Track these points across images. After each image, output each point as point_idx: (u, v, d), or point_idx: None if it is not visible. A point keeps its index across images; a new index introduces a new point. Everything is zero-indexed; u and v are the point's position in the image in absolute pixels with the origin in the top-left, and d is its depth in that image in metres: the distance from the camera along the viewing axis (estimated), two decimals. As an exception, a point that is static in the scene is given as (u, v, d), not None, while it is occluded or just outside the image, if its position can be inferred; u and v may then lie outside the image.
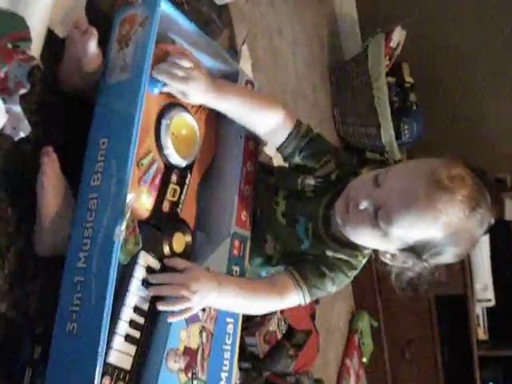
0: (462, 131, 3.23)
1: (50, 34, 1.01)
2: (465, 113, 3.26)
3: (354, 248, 1.15)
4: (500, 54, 3.12)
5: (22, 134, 0.91)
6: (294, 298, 1.14)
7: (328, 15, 3.40)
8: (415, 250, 1.03)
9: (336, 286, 1.16)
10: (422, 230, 0.99)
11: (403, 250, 1.05)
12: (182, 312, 0.98)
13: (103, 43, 1.02)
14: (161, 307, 0.96)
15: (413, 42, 3.18)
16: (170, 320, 0.97)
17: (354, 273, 1.18)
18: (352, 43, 3.51)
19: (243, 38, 1.99)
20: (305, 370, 2.12)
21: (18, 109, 0.89)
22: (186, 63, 1.01)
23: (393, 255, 1.09)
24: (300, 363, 2.05)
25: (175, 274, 0.99)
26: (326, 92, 3.25)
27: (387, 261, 1.10)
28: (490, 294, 3.01)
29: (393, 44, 3.13)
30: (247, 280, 1.15)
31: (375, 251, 1.17)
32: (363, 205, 1.02)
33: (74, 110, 1.06)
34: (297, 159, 1.20)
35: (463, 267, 2.99)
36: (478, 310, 3.11)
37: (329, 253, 1.15)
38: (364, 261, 1.19)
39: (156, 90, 1.01)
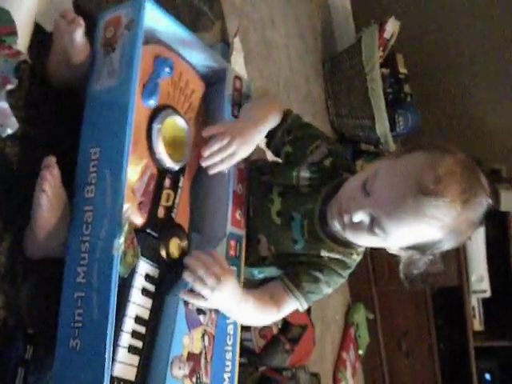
0: (456, 122, 3.23)
1: (38, 28, 0.99)
2: (459, 104, 3.25)
3: (350, 246, 1.14)
4: (495, 44, 3.11)
5: (10, 131, 0.89)
6: (291, 307, 1.15)
7: (321, 6, 3.38)
8: (417, 249, 1.03)
9: (331, 287, 1.16)
10: (419, 234, 0.99)
11: (406, 248, 1.05)
12: (195, 296, 0.98)
13: (90, 34, 1.00)
14: (185, 274, 0.96)
15: (407, 32, 3.17)
16: (182, 296, 0.97)
17: (349, 272, 1.17)
18: (345, 34, 3.49)
19: (235, 31, 1.97)
20: (301, 364, 2.11)
21: (4, 105, 0.87)
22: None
23: (398, 249, 1.08)
24: (296, 357, 2.04)
25: (217, 266, 0.98)
26: (320, 84, 3.23)
27: (394, 252, 1.10)
28: (485, 285, 3.02)
29: (387, 35, 3.12)
30: (257, 293, 1.13)
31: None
32: (357, 218, 1.01)
33: (64, 105, 1.04)
34: (287, 147, 1.20)
35: (459, 259, 2.99)
36: (474, 301, 3.11)
37: (324, 253, 1.14)
38: (358, 259, 1.18)
39: (152, 103, 1.00)
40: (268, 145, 1.26)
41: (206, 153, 1.09)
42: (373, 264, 3.23)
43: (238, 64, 1.95)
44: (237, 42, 1.97)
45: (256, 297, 1.09)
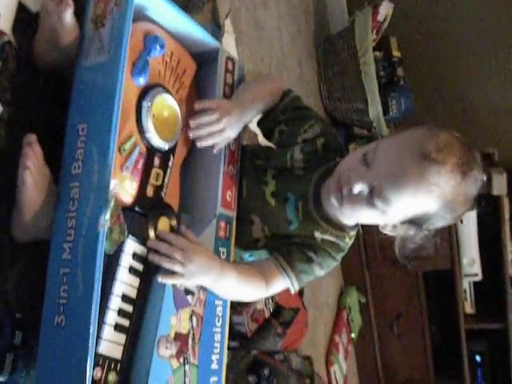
0: (449, 106, 3.22)
1: (22, 8, 0.97)
2: (452, 87, 3.25)
3: (343, 229, 1.14)
4: (488, 29, 3.09)
5: (-6, 114, 0.87)
6: (281, 285, 1.13)
7: (314, -12, 3.36)
8: (415, 222, 1.04)
9: (324, 269, 1.16)
10: (419, 204, 0.99)
11: (403, 222, 1.05)
12: (172, 275, 0.97)
13: (79, 15, 0.98)
14: (150, 256, 0.95)
15: (400, 15, 3.15)
16: (160, 279, 0.96)
17: (341, 255, 1.17)
18: (339, 17, 3.46)
19: (226, 12, 1.95)
20: (293, 348, 2.12)
21: (-12, 88, 0.86)
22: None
23: (393, 226, 1.08)
24: (288, 341, 2.05)
25: (182, 239, 0.98)
26: (313, 67, 3.21)
27: (388, 232, 1.10)
28: (476, 269, 3.04)
29: (380, 18, 3.10)
30: (242, 266, 1.13)
31: (363, 227, 1.17)
32: (357, 189, 1.01)
33: (50, 87, 1.03)
34: (281, 126, 1.20)
35: (450, 242, 3.00)
36: (465, 284, 3.13)
37: (317, 234, 1.14)
38: (350, 242, 1.18)
39: (141, 81, 0.99)
40: (260, 122, 1.25)
41: (193, 123, 1.09)
42: (365, 248, 3.24)
43: (229, 46, 1.93)
44: (228, 24, 1.95)
45: (241, 269, 1.09)
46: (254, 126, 1.34)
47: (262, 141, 1.33)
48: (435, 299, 3.34)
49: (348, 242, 1.17)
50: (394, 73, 3.19)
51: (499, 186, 2.82)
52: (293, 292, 1.16)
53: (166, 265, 0.95)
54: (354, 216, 1.09)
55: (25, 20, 0.97)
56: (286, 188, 1.16)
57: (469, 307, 3.17)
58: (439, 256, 3.07)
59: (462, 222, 2.93)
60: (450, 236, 2.97)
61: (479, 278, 3.07)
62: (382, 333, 3.43)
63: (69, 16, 0.93)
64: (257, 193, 1.19)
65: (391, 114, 3.12)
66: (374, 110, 3.01)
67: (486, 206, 2.90)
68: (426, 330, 3.30)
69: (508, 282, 2.99)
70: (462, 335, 3.12)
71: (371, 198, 1.00)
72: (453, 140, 0.98)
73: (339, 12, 3.47)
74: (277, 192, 1.17)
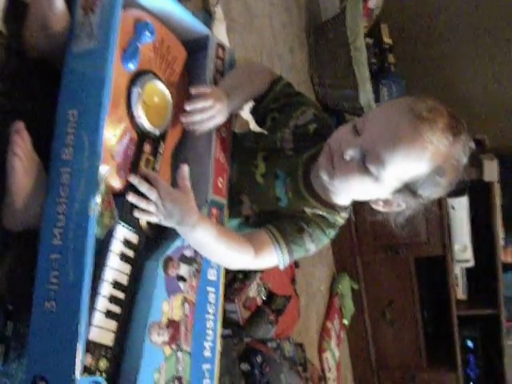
0: (440, 93, 3.20)
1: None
2: (443, 74, 3.24)
3: (333, 208, 1.14)
4: (480, 15, 3.09)
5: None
6: (272, 255, 1.10)
7: (305, -26, 3.33)
8: (409, 188, 1.03)
9: (315, 244, 1.14)
10: (413, 164, 0.99)
11: (397, 191, 1.04)
12: (145, 213, 0.96)
13: (70, 2, 0.97)
14: (129, 197, 0.94)
15: (391, 2, 3.14)
16: (135, 214, 0.95)
17: (332, 232, 1.16)
18: (330, 4, 3.45)
19: (217, 0, 1.93)
20: (286, 335, 2.13)
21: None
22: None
23: (385, 201, 1.08)
24: (281, 328, 2.06)
25: (162, 181, 0.97)
26: (304, 54, 3.20)
27: (380, 208, 1.09)
28: (468, 255, 3.05)
29: (371, 4, 3.09)
30: (226, 228, 1.12)
31: (355, 206, 1.17)
32: (349, 154, 1.01)
33: (41, 76, 1.01)
34: (273, 113, 1.21)
35: (442, 229, 3.02)
36: (457, 270, 3.15)
37: (307, 210, 1.14)
38: (341, 222, 1.17)
39: (131, 67, 0.98)
40: (253, 110, 1.25)
41: (188, 107, 1.09)
42: (357, 234, 3.25)
43: (219, 33, 1.91)
44: (219, 11, 1.94)
45: (225, 232, 1.06)
46: (245, 114, 1.33)
47: (254, 128, 1.32)
48: (427, 285, 3.36)
49: (339, 220, 1.16)
50: (385, 60, 3.19)
51: (490, 172, 2.83)
52: (282, 267, 1.13)
53: (141, 204, 0.95)
54: (346, 188, 1.07)
55: (15, 8, 0.96)
56: (276, 166, 1.17)
57: (460, 293, 3.20)
58: (431, 242, 3.08)
59: (453, 208, 2.94)
60: (441, 222, 2.99)
61: (471, 264, 3.09)
62: (375, 319, 3.45)
63: (59, 2, 0.92)
64: (246, 175, 1.19)
65: (382, 101, 3.12)
66: (365, 96, 3.00)
67: (478, 192, 2.91)
68: (418, 316, 3.32)
69: (500, 268, 3.01)
70: (453, 321, 3.15)
71: (364, 164, 1.00)
72: (440, 105, 1.00)
73: (330, -2, 3.46)
74: (266, 172, 1.17)
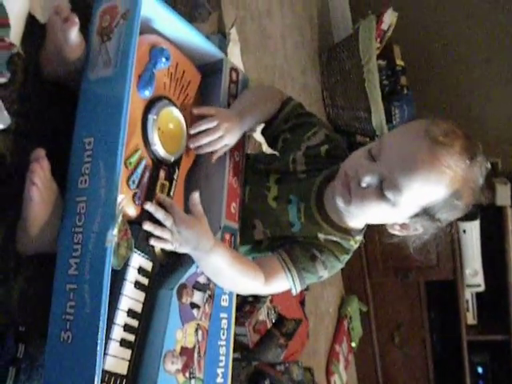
0: (453, 116, 3.18)
1: (31, 20, 0.96)
2: (456, 97, 3.24)
3: (347, 232, 1.13)
4: (493, 38, 3.09)
5: (2, 126, 0.86)
6: (283, 282, 1.10)
7: (318, -4, 3.35)
8: (427, 212, 1.02)
9: (328, 270, 1.13)
10: (431, 189, 0.98)
11: (414, 215, 1.03)
12: (161, 240, 0.96)
13: (85, 28, 0.97)
14: (146, 226, 0.94)
15: (404, 24, 3.14)
16: (151, 242, 0.95)
17: (346, 258, 1.15)
18: (342, 25, 3.46)
19: (232, 21, 1.94)
20: (294, 358, 2.11)
21: (-3, 99, 0.85)
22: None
23: (402, 225, 1.07)
24: (290, 351, 2.04)
25: (177, 208, 0.97)
26: (316, 75, 3.21)
27: (397, 232, 1.08)
28: (479, 280, 3.03)
29: (384, 26, 3.09)
30: (239, 254, 1.11)
31: (366, 236, 1.16)
32: (366, 181, 1.00)
33: (57, 98, 1.02)
34: (285, 134, 1.20)
35: (453, 253, 2.99)
36: (468, 295, 3.12)
37: (320, 235, 1.13)
38: (355, 246, 1.16)
39: (147, 94, 0.98)
40: (264, 131, 1.25)
41: (193, 131, 1.08)
42: (366, 256, 3.23)
43: (234, 55, 1.92)
44: (233, 33, 1.95)
45: (238, 257, 1.06)
46: (258, 135, 1.33)
47: (267, 150, 1.32)
48: (437, 310, 3.33)
49: (353, 244, 1.15)
50: (397, 81, 3.18)
51: (503, 196, 2.81)
52: (294, 293, 1.13)
53: (157, 232, 0.95)
54: (362, 214, 1.06)
55: (33, 31, 0.96)
56: (289, 190, 1.16)
57: (471, 318, 3.16)
58: (442, 266, 3.06)
59: (464, 232, 2.92)
60: (452, 246, 2.96)
61: (482, 288, 3.06)
62: (383, 342, 3.42)
63: (74, 34, 0.92)
64: (259, 198, 1.18)
65: (394, 123, 3.11)
66: (377, 118, 3.00)
67: (490, 216, 2.88)
68: (427, 340, 3.29)
69: (511, 294, 2.98)
70: (463, 346, 3.11)
71: (381, 189, 0.99)
72: (455, 127, 0.99)
73: (343, 20, 3.47)
74: (279, 196, 1.16)
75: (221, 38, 1.73)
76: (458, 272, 3.02)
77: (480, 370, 3.19)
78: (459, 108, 3.21)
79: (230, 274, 1.04)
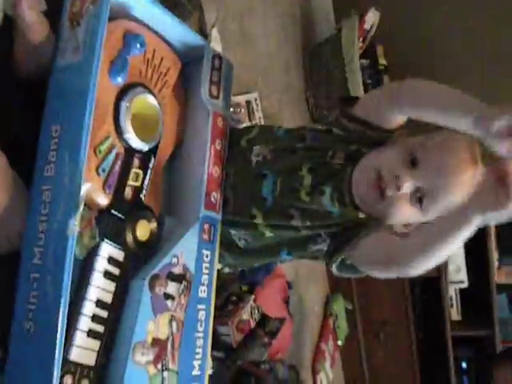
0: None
1: (5, 19, 0.95)
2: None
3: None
4: (476, 39, 3.11)
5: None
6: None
7: (301, -4, 3.36)
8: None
9: None
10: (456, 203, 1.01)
11: None
12: None
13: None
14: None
15: (387, 23, 3.15)
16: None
17: None
18: (325, 25, 3.47)
19: (213, 21, 1.94)
20: (278, 357, 2.11)
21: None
22: None
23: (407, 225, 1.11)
24: (274, 350, 2.04)
25: None
26: (299, 74, 3.21)
27: (399, 229, 1.12)
28: (463, 276, 3.05)
29: (367, 26, 3.10)
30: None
31: None
32: (406, 188, 1.03)
33: (29, 96, 1.00)
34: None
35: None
36: (452, 291, 3.14)
37: (360, 214, 1.13)
38: None
39: (119, 80, 0.97)
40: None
41: None
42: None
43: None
44: (215, 33, 1.95)
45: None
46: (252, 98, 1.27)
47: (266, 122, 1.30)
48: (421, 306, 3.35)
49: None
50: (379, 81, 3.19)
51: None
52: None
53: None
54: (390, 213, 1.08)
55: (7, 29, 0.96)
56: (322, 183, 1.13)
57: (455, 314, 3.18)
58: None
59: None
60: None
61: (465, 285, 3.08)
62: (369, 340, 3.42)
63: (27, 10, 0.91)
64: (291, 191, 1.15)
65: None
66: (360, 117, 3.01)
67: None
68: (412, 336, 3.30)
69: (494, 289, 3.00)
70: (448, 342, 3.13)
71: (416, 196, 1.02)
72: None
73: (326, 20, 3.48)
74: (312, 191, 1.14)
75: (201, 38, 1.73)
76: (441, 269, 3.04)
77: (464, 364, 3.20)
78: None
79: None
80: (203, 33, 1.87)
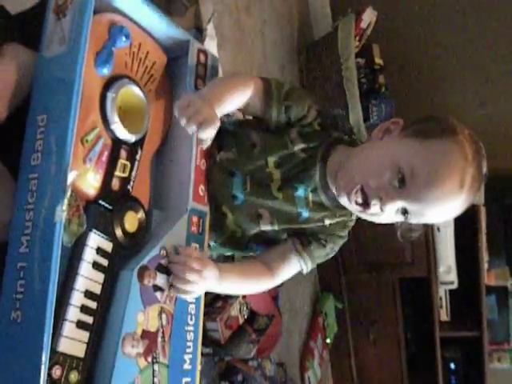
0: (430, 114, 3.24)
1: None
2: (434, 96, 3.27)
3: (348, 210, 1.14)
4: (471, 38, 3.12)
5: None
6: (294, 266, 1.16)
7: (298, -7, 3.36)
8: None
9: (335, 249, 1.19)
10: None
11: None
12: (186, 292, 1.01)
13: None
14: (173, 292, 1.00)
15: (383, 23, 3.15)
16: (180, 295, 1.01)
17: (346, 231, 1.19)
18: (322, 23, 3.47)
19: (210, 17, 1.93)
20: (267, 354, 2.12)
21: None
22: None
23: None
24: (262, 347, 2.04)
25: (192, 260, 1.00)
26: (295, 72, 3.21)
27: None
28: (453, 277, 3.06)
29: (363, 25, 3.10)
30: (242, 265, 1.18)
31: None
32: (390, 209, 1.01)
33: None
34: (282, 116, 1.15)
35: (427, 250, 3.02)
36: (441, 292, 3.16)
37: (326, 221, 1.14)
38: (353, 222, 1.19)
39: (105, 71, 0.97)
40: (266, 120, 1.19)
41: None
42: (342, 254, 3.25)
43: (210, 50, 1.91)
44: (210, 28, 1.94)
45: (240, 270, 1.14)
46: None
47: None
48: (411, 306, 3.36)
49: (353, 218, 1.18)
50: (375, 80, 3.19)
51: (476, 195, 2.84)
52: (305, 272, 1.19)
53: (188, 288, 1.00)
54: (369, 219, 1.08)
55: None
56: (293, 178, 1.13)
57: (444, 315, 3.20)
58: (416, 264, 3.09)
59: (439, 230, 2.95)
60: (426, 243, 2.99)
61: (455, 286, 3.10)
62: (358, 339, 3.44)
63: None
64: (262, 188, 1.14)
65: (372, 121, 3.12)
66: (355, 116, 3.01)
67: (463, 214, 2.91)
68: (401, 336, 3.32)
69: (483, 291, 3.02)
70: (436, 342, 3.15)
71: (401, 209, 1.02)
72: (481, 169, 1.04)
73: (323, 18, 3.48)
74: (283, 185, 1.13)
75: (195, 33, 1.72)
76: (432, 269, 3.05)
77: (452, 365, 3.23)
78: (437, 107, 3.24)
79: (244, 286, 1.16)
80: (199, 28, 1.86)
